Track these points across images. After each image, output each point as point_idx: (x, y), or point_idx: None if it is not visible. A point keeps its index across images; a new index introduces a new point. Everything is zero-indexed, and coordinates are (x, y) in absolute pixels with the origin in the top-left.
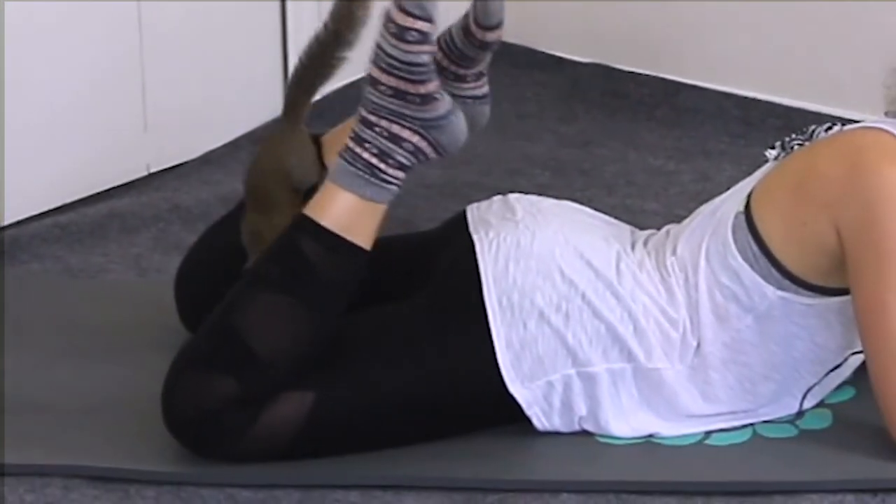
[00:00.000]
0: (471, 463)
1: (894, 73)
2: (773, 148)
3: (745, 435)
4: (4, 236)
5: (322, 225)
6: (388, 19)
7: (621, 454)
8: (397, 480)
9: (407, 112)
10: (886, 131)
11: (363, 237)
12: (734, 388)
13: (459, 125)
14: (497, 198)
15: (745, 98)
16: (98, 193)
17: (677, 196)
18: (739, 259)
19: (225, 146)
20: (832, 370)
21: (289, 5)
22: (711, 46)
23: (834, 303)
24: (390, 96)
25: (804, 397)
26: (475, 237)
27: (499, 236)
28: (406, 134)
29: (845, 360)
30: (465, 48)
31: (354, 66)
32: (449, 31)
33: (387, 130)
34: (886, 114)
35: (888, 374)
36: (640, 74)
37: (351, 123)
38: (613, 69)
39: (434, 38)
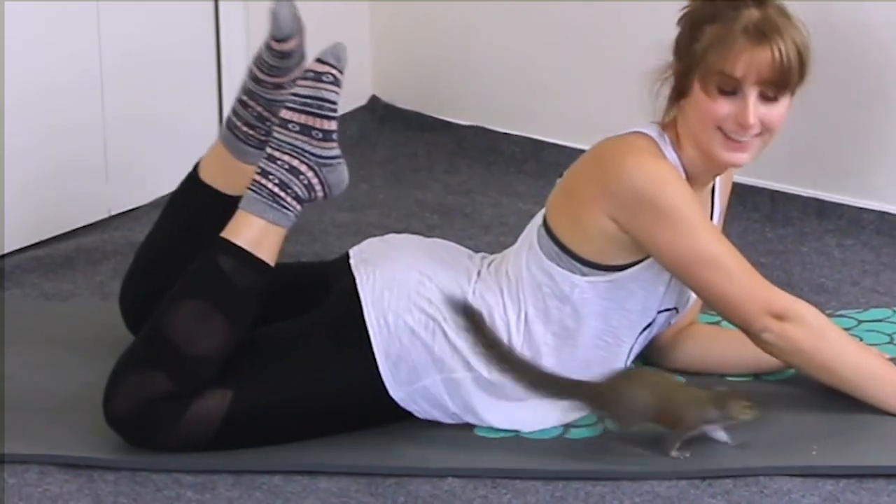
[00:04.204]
0: (373, 452)
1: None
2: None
3: (598, 430)
4: None
5: (235, 243)
6: (307, 69)
7: (496, 446)
8: (312, 467)
9: (307, 148)
10: (637, 132)
11: (268, 255)
12: (569, 364)
13: (345, 171)
14: (376, 238)
15: None
16: (68, 232)
17: None
18: (547, 261)
19: (171, 193)
20: (645, 329)
21: (224, 82)
22: (570, 111)
23: (629, 273)
24: (297, 132)
25: (627, 357)
26: (356, 272)
27: (376, 270)
28: (303, 168)
29: (654, 319)
30: (270, 59)
31: None
32: (259, 54)
33: (288, 164)
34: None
35: (745, 307)
36: (511, 135)
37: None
38: (490, 130)
39: (342, 83)
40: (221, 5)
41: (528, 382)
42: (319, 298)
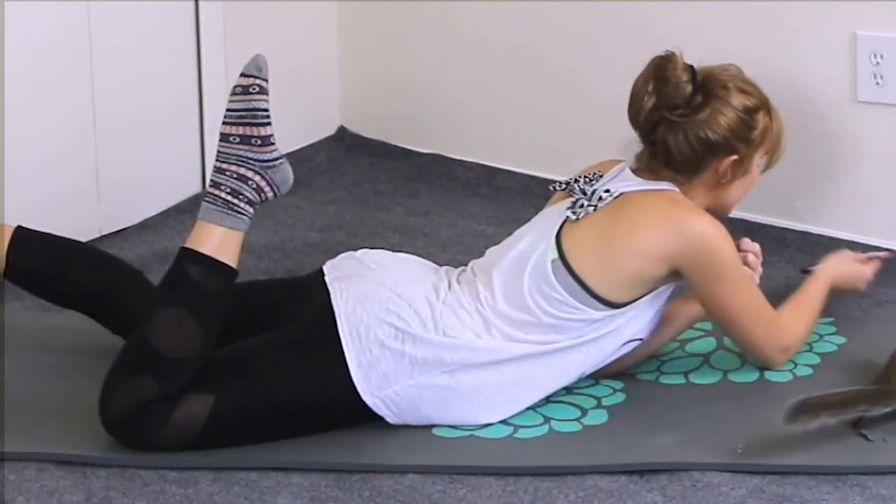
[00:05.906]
0: (340, 450)
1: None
2: (571, 209)
3: (544, 430)
4: None
5: (199, 251)
6: (235, 85)
7: (452, 445)
8: (286, 464)
9: (250, 155)
10: (668, 190)
11: (230, 258)
12: (553, 371)
13: (288, 169)
14: (348, 254)
15: (545, 179)
16: None
17: None
18: (563, 293)
19: (157, 215)
20: (623, 346)
21: (206, 113)
22: (521, 140)
23: (635, 305)
24: (238, 143)
25: (601, 368)
26: (330, 287)
27: (349, 286)
28: (250, 174)
29: (624, 345)
30: None
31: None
32: None
33: (236, 173)
34: (634, 171)
35: (764, 348)
36: (466, 161)
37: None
38: (447, 158)
39: (268, 90)
40: (204, 62)
41: (859, 414)
42: (294, 311)
